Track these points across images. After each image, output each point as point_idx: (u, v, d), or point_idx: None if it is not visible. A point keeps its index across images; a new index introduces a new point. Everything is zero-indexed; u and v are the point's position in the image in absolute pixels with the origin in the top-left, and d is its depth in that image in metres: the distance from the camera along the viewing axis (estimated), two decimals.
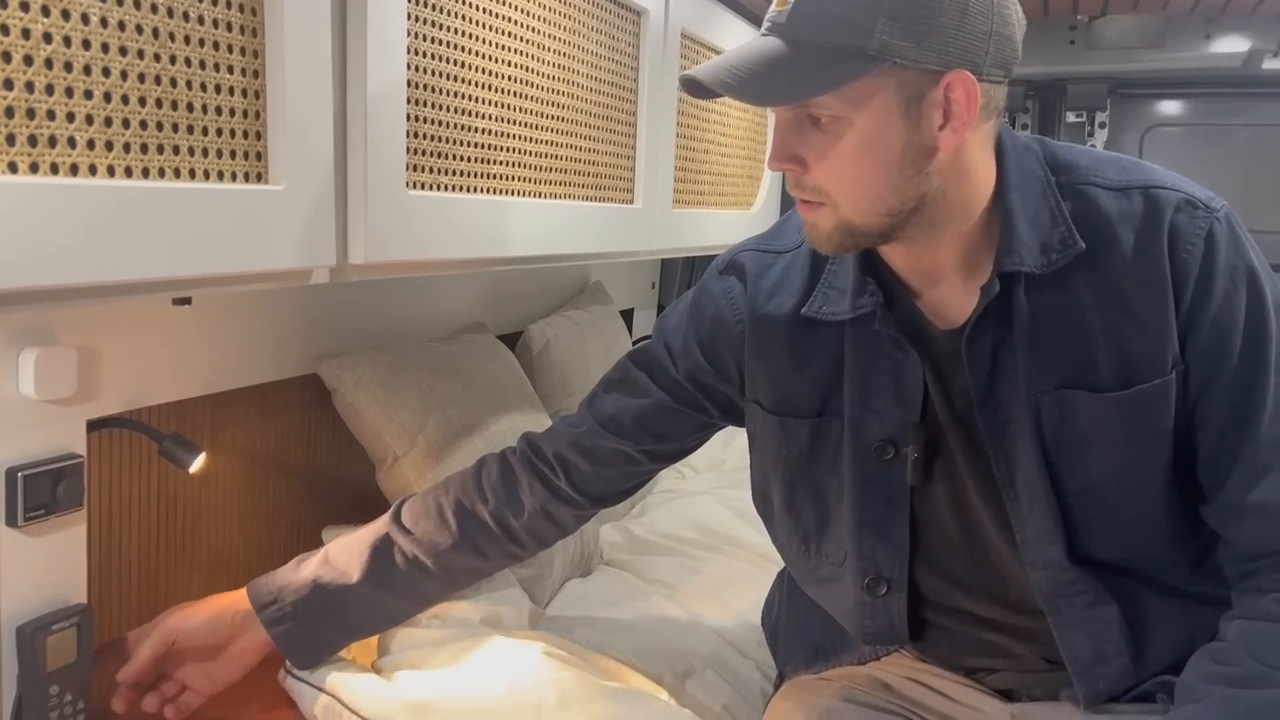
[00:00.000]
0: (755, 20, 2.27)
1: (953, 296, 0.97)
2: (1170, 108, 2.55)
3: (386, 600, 1.18)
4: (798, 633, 1.21)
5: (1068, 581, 0.97)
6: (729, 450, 2.57)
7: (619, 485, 1.21)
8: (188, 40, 0.86)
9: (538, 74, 1.39)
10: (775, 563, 1.73)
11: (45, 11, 0.73)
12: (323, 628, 1.15)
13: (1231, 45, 2.32)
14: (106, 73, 0.79)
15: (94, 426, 1.17)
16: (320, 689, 1.22)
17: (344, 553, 1.16)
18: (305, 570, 1.16)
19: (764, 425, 1.10)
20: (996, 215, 0.94)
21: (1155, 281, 0.91)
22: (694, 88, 0.90)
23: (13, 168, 0.73)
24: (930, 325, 0.98)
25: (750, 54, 0.86)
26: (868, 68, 0.83)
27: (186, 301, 1.05)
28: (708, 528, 1.90)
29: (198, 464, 1.24)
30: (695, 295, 1.15)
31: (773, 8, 0.89)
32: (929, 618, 1.08)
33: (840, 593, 1.09)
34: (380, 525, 1.19)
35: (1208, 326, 0.91)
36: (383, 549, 1.16)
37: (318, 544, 1.52)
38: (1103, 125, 2.55)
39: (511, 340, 1.94)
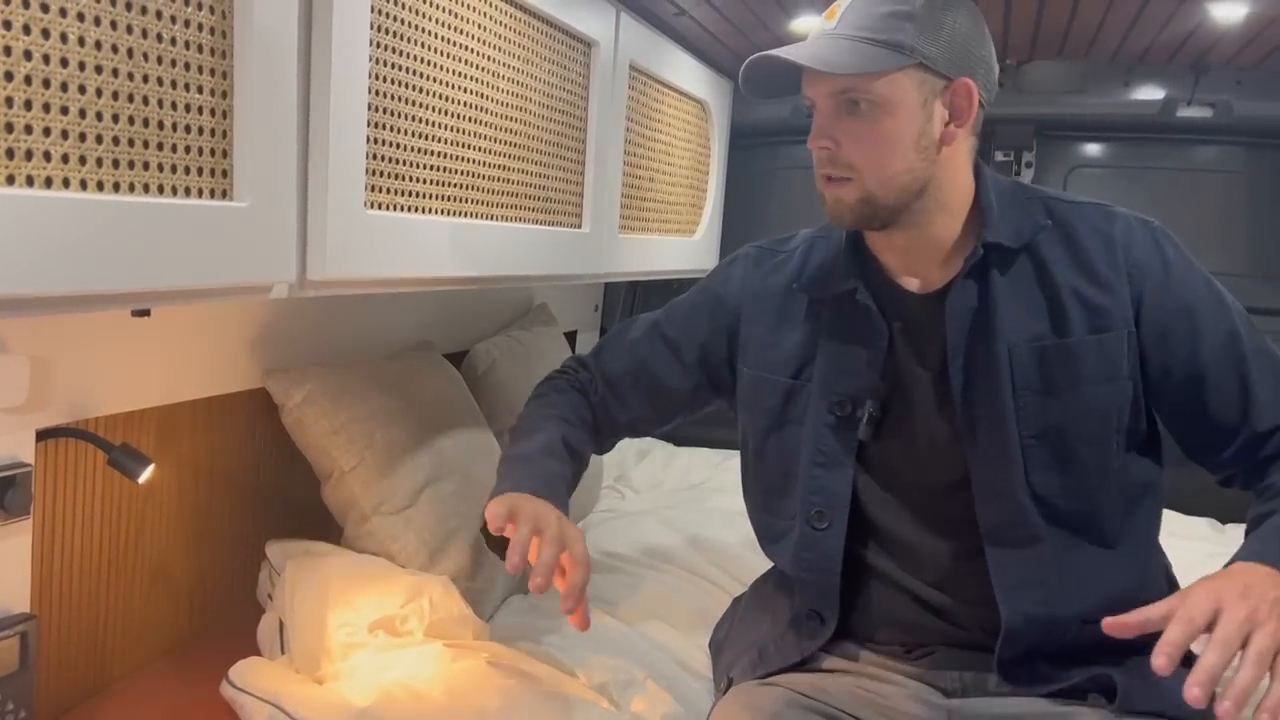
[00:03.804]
0: (702, 55, 2.34)
1: (933, 275, 1.15)
2: (1093, 150, 2.67)
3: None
4: (743, 640, 1.27)
5: (1010, 511, 1.10)
6: (668, 471, 2.62)
7: (642, 415, 1.36)
8: (160, 60, 0.88)
9: (492, 100, 1.43)
10: (712, 580, 1.79)
11: (26, 30, 0.76)
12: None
13: (1148, 93, 2.45)
14: (82, 90, 0.81)
15: (43, 435, 1.17)
16: (264, 699, 1.24)
17: (559, 449, 1.26)
18: (553, 468, 1.23)
19: (748, 383, 1.26)
20: (976, 213, 1.13)
21: (1111, 258, 1.11)
22: (754, 77, 1.10)
23: None
24: (908, 294, 1.16)
25: (810, 47, 1.06)
26: (903, 60, 1.03)
27: (146, 313, 1.06)
28: (648, 546, 1.93)
29: (146, 475, 1.25)
30: (703, 282, 1.35)
31: (821, 21, 1.09)
32: (862, 592, 1.19)
33: (789, 541, 1.22)
34: (556, 428, 1.28)
35: (1172, 296, 1.10)
36: (568, 446, 1.27)
37: (261, 558, 1.54)
38: (1029, 165, 2.66)
39: (457, 359, 1.96)
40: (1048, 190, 1.19)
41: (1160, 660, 0.81)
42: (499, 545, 1.07)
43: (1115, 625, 0.87)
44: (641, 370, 1.32)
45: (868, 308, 1.15)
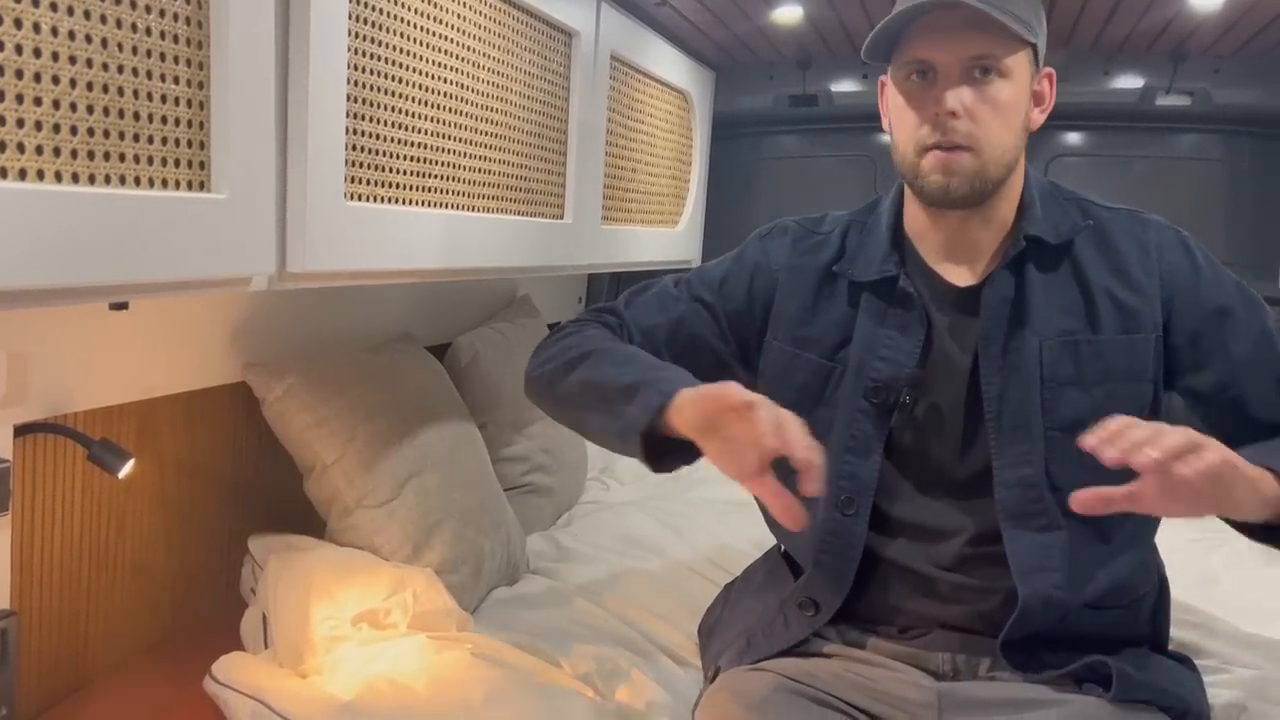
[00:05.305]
0: (683, 45, 2.34)
1: (971, 266, 1.17)
2: (1073, 139, 2.68)
3: None
4: (732, 628, 1.27)
5: (1030, 500, 1.11)
6: None
7: None
8: (135, 51, 0.88)
9: (473, 91, 1.42)
10: (697, 570, 1.79)
11: None
12: None
13: (1128, 81, 2.46)
14: (56, 80, 0.80)
15: (21, 431, 1.16)
16: (247, 694, 1.23)
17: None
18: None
19: (778, 358, 1.24)
20: (1019, 207, 1.16)
21: (1145, 263, 1.14)
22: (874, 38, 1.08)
23: None
24: (947, 284, 1.17)
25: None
26: (1030, 38, 1.05)
27: (123, 306, 1.05)
28: (633, 537, 1.93)
29: (127, 469, 1.24)
30: (739, 250, 1.31)
31: None
32: (868, 575, 1.18)
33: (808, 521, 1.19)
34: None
35: (1204, 299, 1.13)
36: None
37: (243, 552, 1.53)
38: None
39: (440, 351, 1.96)
40: (1081, 193, 1.21)
41: (1093, 440, 0.88)
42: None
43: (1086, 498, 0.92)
44: (680, 325, 1.25)
45: (909, 295, 1.16)
